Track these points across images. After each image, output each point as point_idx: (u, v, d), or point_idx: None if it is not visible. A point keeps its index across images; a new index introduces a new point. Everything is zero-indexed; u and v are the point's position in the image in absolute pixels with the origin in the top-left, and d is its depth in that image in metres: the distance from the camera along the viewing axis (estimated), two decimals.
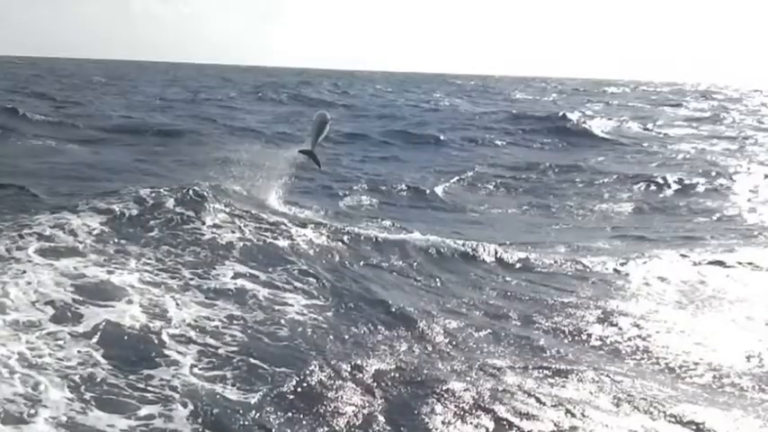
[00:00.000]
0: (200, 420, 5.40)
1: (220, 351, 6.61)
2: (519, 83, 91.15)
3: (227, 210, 11.33)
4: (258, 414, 5.59)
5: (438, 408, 6.00)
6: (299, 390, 6.04)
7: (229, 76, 74.85)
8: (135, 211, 10.77)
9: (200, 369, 6.21)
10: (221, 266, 8.99)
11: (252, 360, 6.49)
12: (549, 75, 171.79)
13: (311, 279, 9.02)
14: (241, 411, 5.58)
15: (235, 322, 7.31)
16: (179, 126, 25.99)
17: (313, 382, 6.18)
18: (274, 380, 6.17)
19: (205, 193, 11.66)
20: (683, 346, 7.63)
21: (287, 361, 6.55)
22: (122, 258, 8.81)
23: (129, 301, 7.40)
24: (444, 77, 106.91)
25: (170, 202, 11.09)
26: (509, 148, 26.15)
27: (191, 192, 11.59)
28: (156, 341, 6.64)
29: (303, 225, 11.30)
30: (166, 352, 6.46)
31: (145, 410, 5.46)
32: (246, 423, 5.46)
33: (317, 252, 10.22)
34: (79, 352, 6.20)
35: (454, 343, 7.51)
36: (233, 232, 10.47)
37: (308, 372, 6.32)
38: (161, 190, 11.67)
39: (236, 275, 8.76)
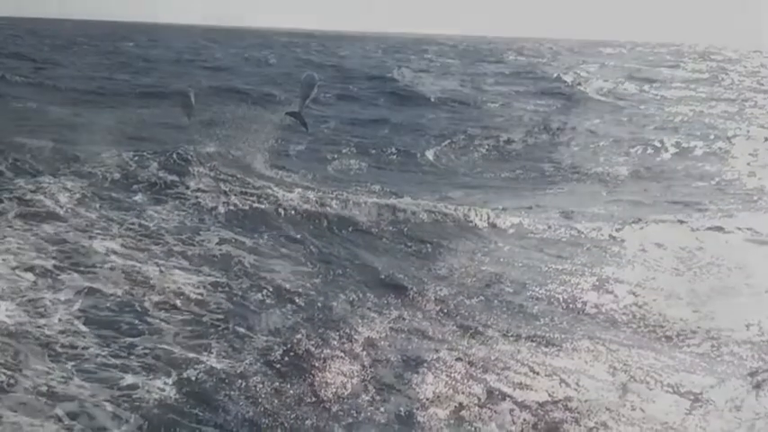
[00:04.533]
0: (184, 390, 5.24)
1: (205, 319, 6.43)
2: (512, 44, 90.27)
3: (212, 174, 11.11)
4: (244, 383, 5.45)
5: (429, 377, 5.88)
6: (287, 359, 5.90)
7: (214, 37, 73.53)
8: (117, 175, 10.57)
9: (184, 337, 6.04)
10: (206, 232, 8.78)
11: (238, 328, 6.32)
12: (544, 36, 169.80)
13: (298, 245, 8.86)
14: (227, 380, 5.44)
15: (220, 289, 7.11)
16: (163, 88, 25.43)
17: (300, 351, 6.04)
18: (261, 349, 6.02)
19: (189, 157, 11.41)
20: (680, 314, 7.49)
21: (273, 329, 6.40)
22: (104, 223, 8.61)
23: (112, 268, 7.19)
24: (435, 39, 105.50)
25: (153, 166, 10.87)
26: (502, 110, 25.81)
27: (174, 155, 11.34)
28: (138, 309, 6.46)
29: (290, 190, 11.09)
30: (150, 320, 6.28)
31: (128, 380, 5.28)
32: (232, 393, 5.31)
33: (304, 217, 10.02)
34: (60, 320, 6.03)
35: (445, 310, 7.37)
36: (218, 197, 10.25)
37: (295, 341, 6.16)
38: (144, 153, 11.42)
39: (222, 241, 8.55)
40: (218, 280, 7.32)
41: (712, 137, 20.53)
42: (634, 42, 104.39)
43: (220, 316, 6.51)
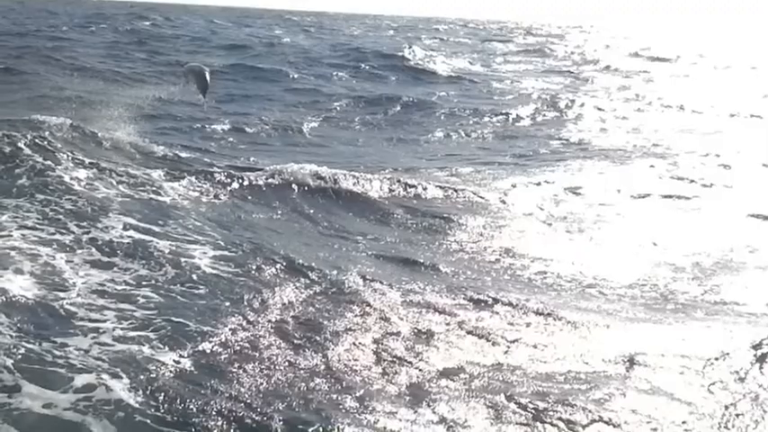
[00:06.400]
0: (137, 385, 4.94)
1: (137, 314, 5.98)
2: (353, 20, 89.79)
3: (87, 159, 10.16)
4: (195, 372, 5.24)
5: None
6: (230, 346, 5.63)
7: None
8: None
9: (121, 335, 5.62)
10: (106, 218, 8.04)
11: (175, 319, 5.95)
12: (380, 12, 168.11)
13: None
14: (175, 371, 5.20)
15: (144, 283, 6.61)
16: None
17: (239, 338, 5.79)
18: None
19: (55, 140, 10.61)
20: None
21: (208, 318, 6.04)
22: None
23: (19, 270, 6.47)
24: (279, 13, 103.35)
25: (25, 149, 9.94)
26: (364, 83, 25.46)
27: (42, 135, 10.58)
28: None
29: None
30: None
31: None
32: (184, 381, 5.11)
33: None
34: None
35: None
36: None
37: (229, 329, 5.91)
38: (14, 134, 10.39)
39: (127, 227, 7.84)
40: (139, 273, 6.82)
41: (558, 106, 21.96)
42: (464, 19, 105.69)
43: (154, 311, 6.08)
